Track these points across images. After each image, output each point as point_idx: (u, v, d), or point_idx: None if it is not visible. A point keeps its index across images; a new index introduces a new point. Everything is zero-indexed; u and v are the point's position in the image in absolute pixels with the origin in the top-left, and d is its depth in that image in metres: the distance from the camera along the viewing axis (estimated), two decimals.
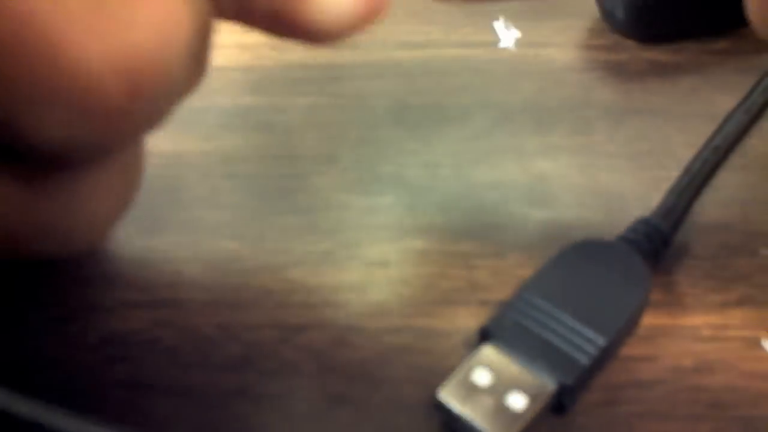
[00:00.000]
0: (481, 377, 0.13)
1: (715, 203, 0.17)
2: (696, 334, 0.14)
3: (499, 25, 0.24)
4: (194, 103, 0.21)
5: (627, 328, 0.14)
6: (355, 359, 0.14)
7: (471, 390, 0.13)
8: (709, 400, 0.13)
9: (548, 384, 0.13)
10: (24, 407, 0.10)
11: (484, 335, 0.13)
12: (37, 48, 0.09)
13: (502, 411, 0.12)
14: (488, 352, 0.13)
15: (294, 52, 0.23)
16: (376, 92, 0.21)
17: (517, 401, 0.12)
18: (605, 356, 0.13)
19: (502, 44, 0.23)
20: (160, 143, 0.19)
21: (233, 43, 0.24)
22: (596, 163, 0.18)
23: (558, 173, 0.18)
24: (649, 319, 0.15)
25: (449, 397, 0.13)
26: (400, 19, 0.25)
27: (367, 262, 0.16)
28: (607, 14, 0.23)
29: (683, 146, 0.19)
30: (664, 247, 0.16)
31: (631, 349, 0.14)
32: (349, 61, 0.23)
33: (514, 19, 0.24)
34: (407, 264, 0.16)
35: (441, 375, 0.14)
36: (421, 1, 0.26)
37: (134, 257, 0.16)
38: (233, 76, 0.22)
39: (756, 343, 0.14)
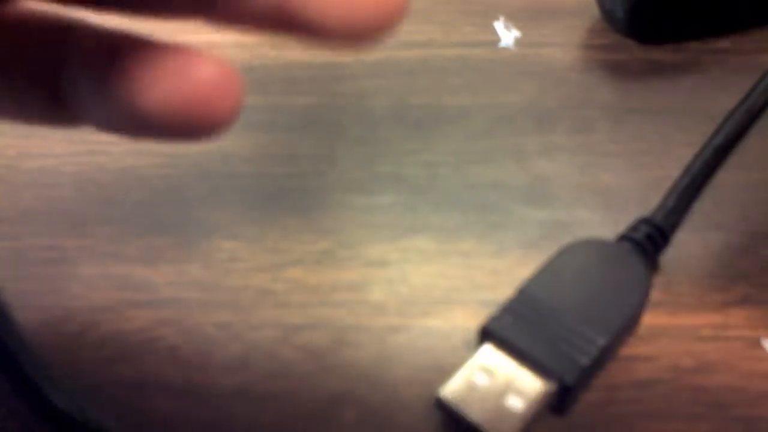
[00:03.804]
0: (481, 377, 0.13)
1: (715, 203, 0.17)
2: (696, 334, 0.14)
3: (499, 25, 0.24)
4: None
5: (627, 328, 0.14)
6: (355, 359, 0.14)
7: (471, 390, 0.13)
8: (709, 400, 0.13)
9: (548, 384, 0.13)
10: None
11: (484, 335, 0.13)
12: None
13: (502, 411, 0.12)
14: (488, 352, 0.13)
15: (294, 52, 0.23)
16: (376, 92, 0.21)
17: (517, 401, 0.12)
18: (605, 356, 0.13)
19: (502, 44, 0.23)
20: (160, 143, 0.20)
21: (233, 43, 0.24)
22: (596, 163, 0.18)
23: (558, 173, 0.18)
24: (649, 319, 0.15)
25: (449, 396, 0.13)
26: None
27: (366, 261, 0.16)
28: (607, 14, 0.23)
29: (683, 146, 0.19)
30: (664, 247, 0.16)
31: (631, 349, 0.14)
32: (349, 61, 0.23)
33: (514, 19, 0.24)
34: (407, 264, 0.16)
35: (441, 375, 0.14)
36: (421, 1, 0.26)
37: (134, 257, 0.16)
38: None
39: (756, 343, 0.14)
